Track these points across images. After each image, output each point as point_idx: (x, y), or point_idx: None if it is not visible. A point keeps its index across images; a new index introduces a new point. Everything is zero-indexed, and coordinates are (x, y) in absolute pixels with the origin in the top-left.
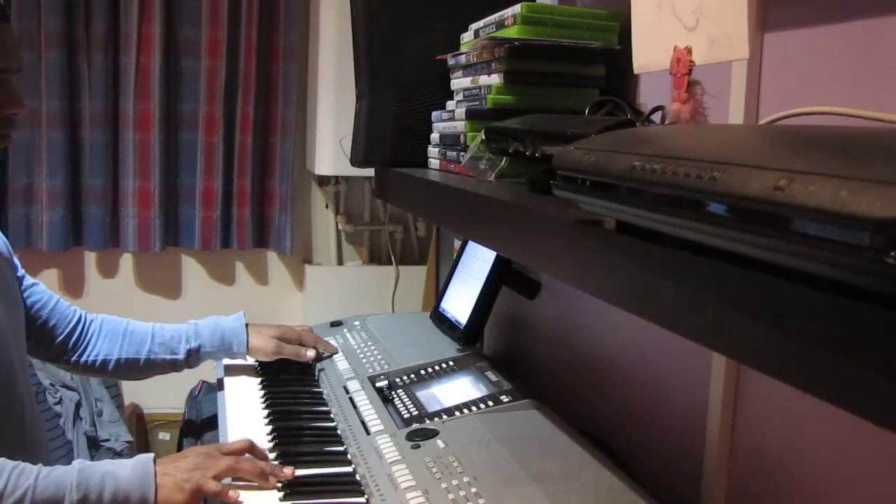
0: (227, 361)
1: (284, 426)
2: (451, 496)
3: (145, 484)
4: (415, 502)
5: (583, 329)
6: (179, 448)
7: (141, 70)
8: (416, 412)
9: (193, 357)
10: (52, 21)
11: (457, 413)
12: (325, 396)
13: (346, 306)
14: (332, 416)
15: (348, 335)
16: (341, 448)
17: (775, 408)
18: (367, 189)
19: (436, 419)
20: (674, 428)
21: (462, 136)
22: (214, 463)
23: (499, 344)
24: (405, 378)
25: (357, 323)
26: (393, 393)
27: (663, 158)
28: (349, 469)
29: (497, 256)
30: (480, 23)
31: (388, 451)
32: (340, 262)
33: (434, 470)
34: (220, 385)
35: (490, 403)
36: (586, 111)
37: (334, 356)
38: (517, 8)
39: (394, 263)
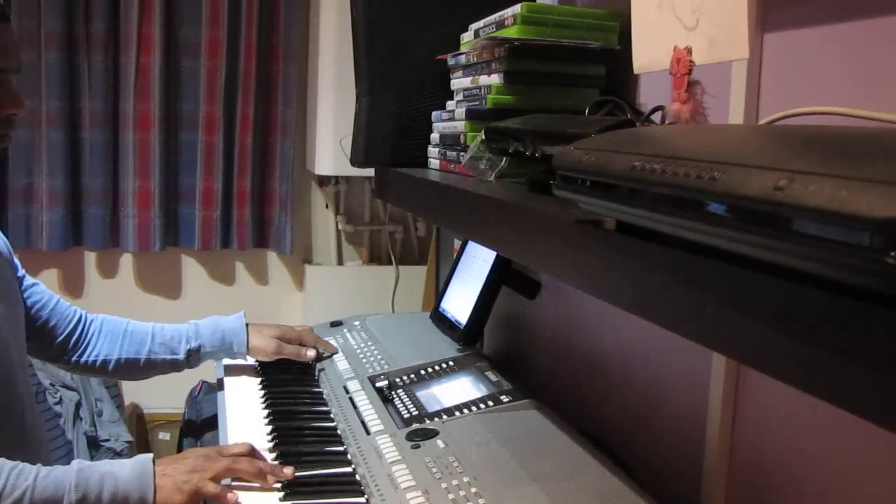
0: (227, 361)
1: (284, 426)
2: (451, 496)
3: (144, 484)
4: (415, 502)
5: (583, 329)
6: (179, 448)
7: (141, 70)
8: (416, 412)
9: (194, 357)
10: (52, 21)
11: (457, 413)
12: (325, 396)
13: (346, 306)
14: (332, 416)
15: (348, 335)
16: (341, 448)
17: (775, 407)
18: (367, 189)
19: (436, 419)
20: (674, 428)
21: (462, 136)
22: (213, 464)
23: (499, 344)
24: (405, 378)
25: (357, 323)
26: (393, 393)
27: (663, 158)
28: (349, 469)
29: (497, 256)
30: (480, 23)
31: (388, 451)
32: (340, 262)
33: (434, 470)
34: (220, 385)
35: (490, 403)
36: (586, 111)
37: (334, 356)
38: (517, 8)
39: (394, 263)
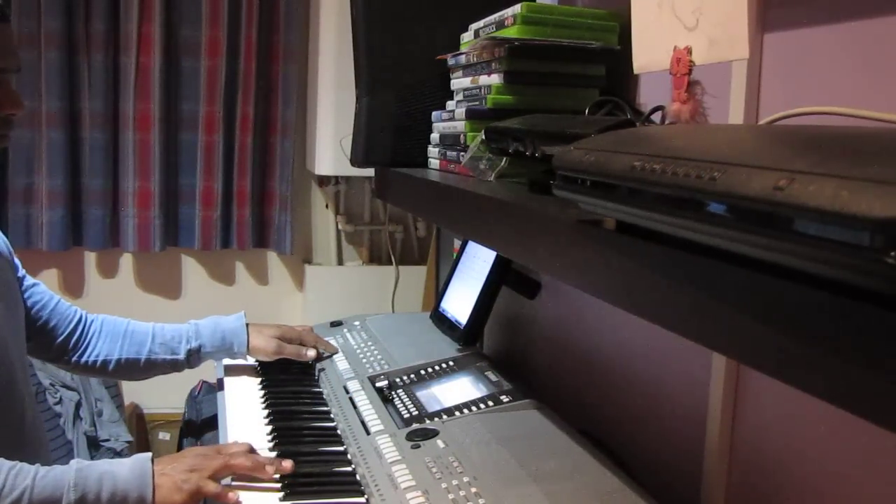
0: (227, 361)
1: (284, 426)
2: (451, 496)
3: (143, 483)
4: (415, 502)
5: (583, 329)
6: (179, 448)
7: (141, 70)
8: (416, 412)
9: (194, 357)
10: (52, 21)
11: (457, 413)
12: (325, 396)
13: (346, 306)
14: (332, 416)
15: (348, 335)
16: (341, 448)
17: (775, 407)
18: (367, 189)
19: (436, 419)
20: (674, 428)
21: (462, 136)
22: (211, 463)
23: (499, 344)
24: (405, 378)
25: (357, 323)
26: (393, 393)
27: (663, 158)
28: (349, 469)
29: (497, 256)
30: (480, 23)
31: (388, 451)
32: (340, 262)
33: (434, 470)
34: (220, 385)
35: (490, 403)
36: (586, 111)
37: (334, 356)
38: (517, 8)
39: (394, 263)
